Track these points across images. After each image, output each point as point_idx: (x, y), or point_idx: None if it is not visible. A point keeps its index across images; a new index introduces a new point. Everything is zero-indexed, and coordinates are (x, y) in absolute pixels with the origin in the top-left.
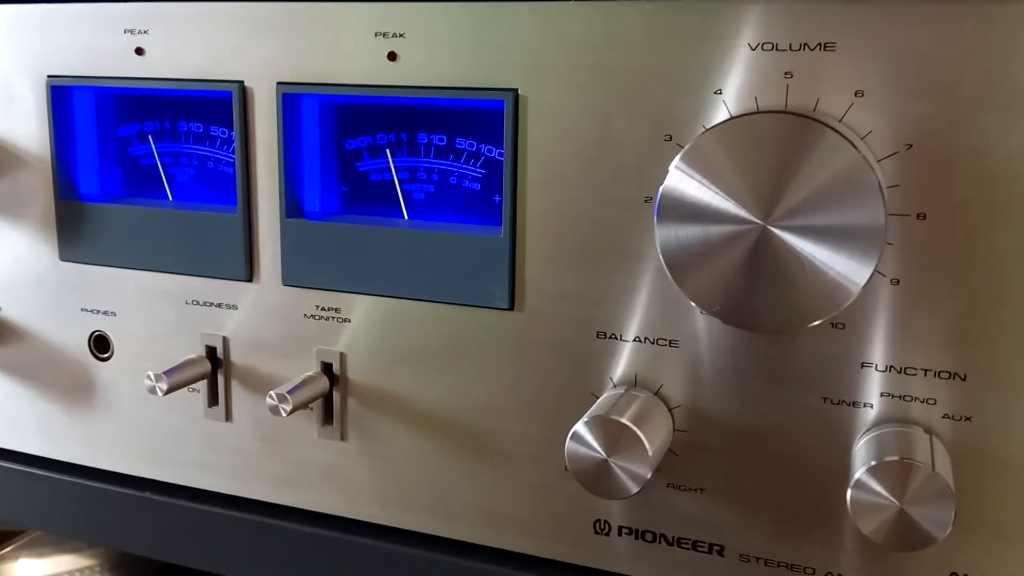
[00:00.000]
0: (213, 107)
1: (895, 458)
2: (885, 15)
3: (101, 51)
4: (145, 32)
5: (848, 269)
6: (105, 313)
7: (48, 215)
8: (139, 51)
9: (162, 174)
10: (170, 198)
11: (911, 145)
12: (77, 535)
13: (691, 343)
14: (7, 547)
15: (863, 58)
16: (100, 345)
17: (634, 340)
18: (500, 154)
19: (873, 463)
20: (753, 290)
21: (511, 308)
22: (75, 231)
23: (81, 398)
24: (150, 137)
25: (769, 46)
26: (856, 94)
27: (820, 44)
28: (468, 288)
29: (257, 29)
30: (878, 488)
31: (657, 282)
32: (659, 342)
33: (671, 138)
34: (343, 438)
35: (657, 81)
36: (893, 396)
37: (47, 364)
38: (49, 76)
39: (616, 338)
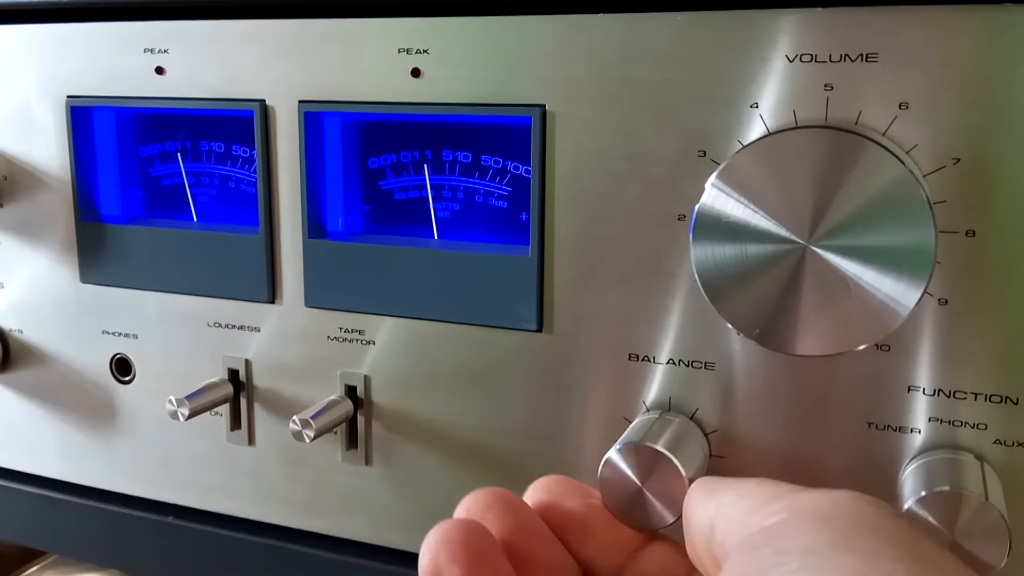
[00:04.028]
0: (234, 126)
1: (946, 488)
2: (929, 24)
3: (121, 71)
4: (165, 51)
5: (896, 291)
6: (126, 336)
7: (69, 237)
8: (159, 70)
9: (188, 194)
10: (194, 218)
11: (959, 159)
12: (98, 560)
13: (727, 365)
14: (32, 567)
15: (907, 69)
16: (121, 368)
17: (667, 362)
18: (527, 171)
19: (923, 493)
20: (795, 313)
21: (539, 330)
22: (96, 253)
23: (102, 421)
24: (177, 156)
25: (808, 57)
26: (900, 106)
27: (861, 55)
28: (495, 309)
29: (278, 47)
30: (929, 519)
31: (691, 302)
32: (694, 364)
33: (705, 154)
34: (367, 462)
35: (689, 95)
36: (941, 421)
37: (68, 387)
38: (69, 96)
39: (649, 360)
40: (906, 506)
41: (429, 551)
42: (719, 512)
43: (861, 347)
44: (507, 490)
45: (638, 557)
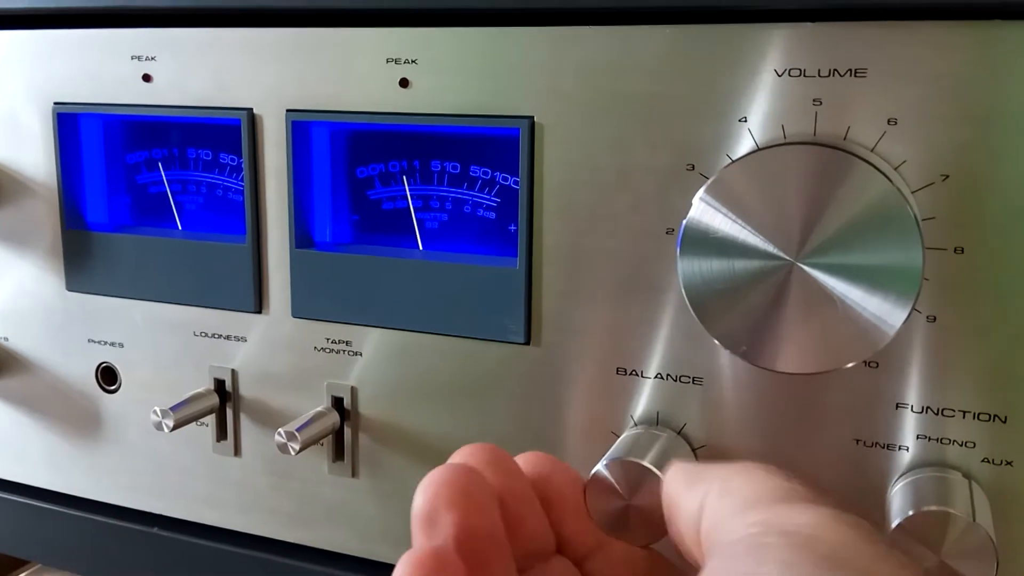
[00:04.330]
0: (222, 134)
1: (933, 508)
2: (918, 40)
3: (108, 78)
4: (153, 58)
5: (883, 310)
6: (112, 344)
7: (55, 245)
8: (147, 78)
9: (171, 202)
10: (179, 227)
11: (947, 175)
12: (83, 570)
13: (715, 380)
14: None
15: (896, 85)
16: (107, 377)
17: (655, 377)
18: (515, 182)
19: (911, 512)
20: (782, 330)
21: (527, 342)
22: (82, 261)
23: (88, 430)
24: (159, 164)
25: (796, 72)
26: (889, 122)
27: (850, 70)
28: (482, 321)
29: (266, 55)
30: (916, 540)
31: (679, 317)
32: (682, 379)
33: (693, 167)
34: (354, 474)
35: (678, 108)
36: (929, 439)
37: (53, 395)
38: (56, 103)
39: (636, 375)
40: (894, 525)
41: (426, 493)
42: (706, 504)
43: (848, 365)
44: (505, 451)
45: (607, 544)
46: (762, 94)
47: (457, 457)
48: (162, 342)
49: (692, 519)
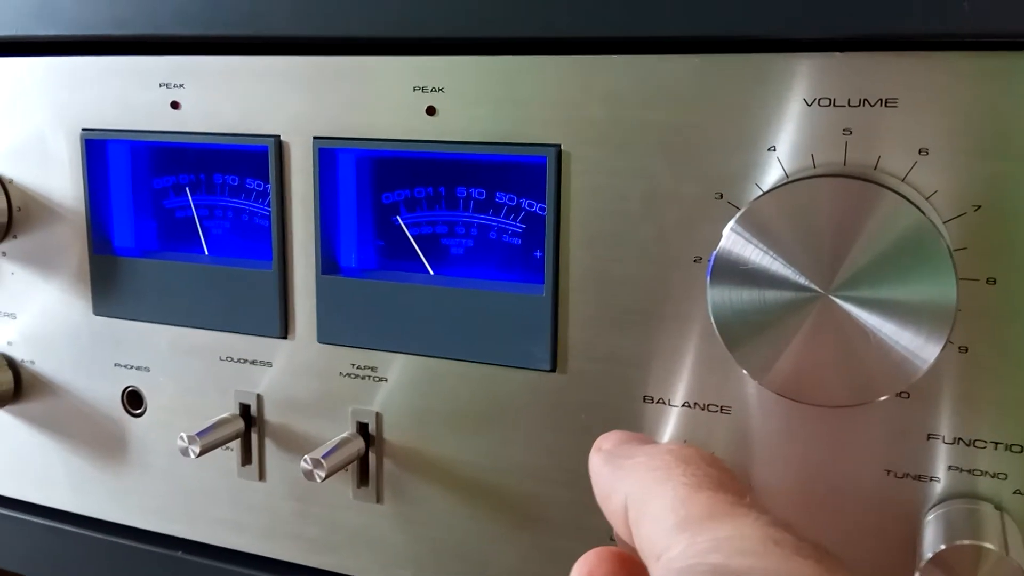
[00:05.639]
0: (249, 160)
1: (965, 542)
2: (949, 69)
3: (136, 104)
4: (181, 86)
5: (916, 344)
6: (138, 368)
7: (82, 269)
8: (174, 105)
9: (198, 227)
10: (206, 252)
11: (979, 206)
12: None
13: (743, 410)
14: None
15: (926, 114)
16: (133, 401)
17: (683, 405)
18: (541, 208)
19: (942, 547)
20: (812, 362)
21: (553, 370)
22: (109, 285)
23: (113, 454)
24: (186, 190)
25: (826, 101)
26: (920, 152)
27: (881, 100)
28: (508, 348)
29: (293, 83)
30: (948, 575)
31: (706, 345)
32: (709, 408)
33: (722, 196)
34: (379, 500)
35: (706, 137)
36: (961, 470)
37: (79, 419)
38: (84, 129)
39: (664, 403)
40: (926, 558)
41: None
42: (629, 508)
43: (880, 399)
44: (625, 552)
45: None
46: (791, 123)
47: (583, 567)
48: (188, 367)
49: (619, 511)
